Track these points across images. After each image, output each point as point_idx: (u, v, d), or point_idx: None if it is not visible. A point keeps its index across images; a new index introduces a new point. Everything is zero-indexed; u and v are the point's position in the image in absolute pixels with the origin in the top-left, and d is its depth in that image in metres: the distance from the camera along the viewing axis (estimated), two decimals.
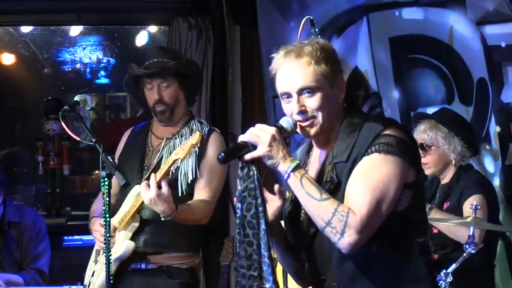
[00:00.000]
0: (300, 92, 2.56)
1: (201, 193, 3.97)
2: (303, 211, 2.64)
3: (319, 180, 2.60)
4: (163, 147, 4.05)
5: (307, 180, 2.50)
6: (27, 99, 8.58)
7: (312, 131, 2.60)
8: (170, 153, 3.93)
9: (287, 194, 2.70)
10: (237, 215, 2.56)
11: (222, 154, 2.51)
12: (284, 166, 2.50)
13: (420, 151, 4.36)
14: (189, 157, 3.85)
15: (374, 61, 5.62)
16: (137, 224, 3.95)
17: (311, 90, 2.55)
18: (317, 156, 2.71)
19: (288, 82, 2.57)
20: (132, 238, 3.96)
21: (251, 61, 6.32)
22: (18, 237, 4.93)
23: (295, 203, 2.66)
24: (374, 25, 5.64)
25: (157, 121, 4.16)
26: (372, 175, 2.48)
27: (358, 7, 5.69)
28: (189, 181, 3.95)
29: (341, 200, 2.50)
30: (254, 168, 2.52)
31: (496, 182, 5.02)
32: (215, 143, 4.03)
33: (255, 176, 2.52)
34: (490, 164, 5.14)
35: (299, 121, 2.59)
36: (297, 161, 2.53)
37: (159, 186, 3.64)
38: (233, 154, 2.55)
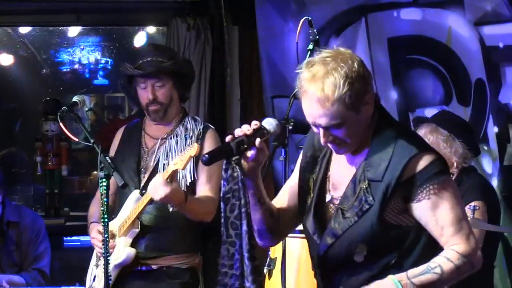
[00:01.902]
0: (326, 127, 2.54)
1: (203, 191, 3.95)
2: (329, 205, 2.65)
3: (352, 190, 2.59)
4: (159, 147, 4.04)
5: (413, 276, 2.52)
6: (25, 100, 8.58)
7: (342, 151, 2.62)
8: (167, 155, 3.93)
9: (314, 175, 2.70)
10: (221, 215, 2.59)
11: (206, 156, 2.53)
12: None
13: None
14: None
15: (372, 61, 5.62)
16: (137, 230, 3.93)
17: (336, 125, 2.53)
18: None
19: (313, 116, 2.53)
20: (132, 244, 3.93)
21: (250, 61, 6.30)
22: (17, 238, 4.92)
23: (321, 191, 2.67)
24: (373, 26, 5.64)
25: (150, 120, 4.13)
26: (447, 207, 2.55)
27: (356, 7, 5.69)
28: (189, 184, 3.94)
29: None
30: (238, 170, 2.55)
31: (494, 182, 5.02)
32: (211, 140, 4.00)
33: (239, 178, 2.55)
34: (488, 165, 5.14)
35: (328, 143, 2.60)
36: (394, 279, 2.51)
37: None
38: (217, 156, 2.57)
